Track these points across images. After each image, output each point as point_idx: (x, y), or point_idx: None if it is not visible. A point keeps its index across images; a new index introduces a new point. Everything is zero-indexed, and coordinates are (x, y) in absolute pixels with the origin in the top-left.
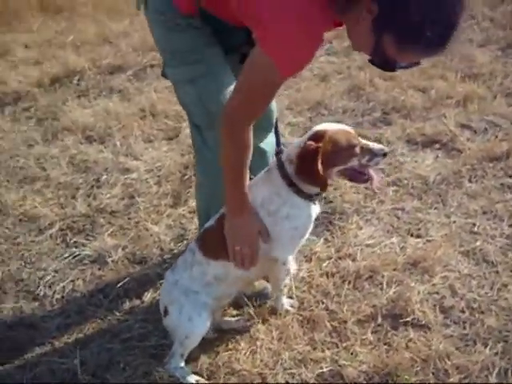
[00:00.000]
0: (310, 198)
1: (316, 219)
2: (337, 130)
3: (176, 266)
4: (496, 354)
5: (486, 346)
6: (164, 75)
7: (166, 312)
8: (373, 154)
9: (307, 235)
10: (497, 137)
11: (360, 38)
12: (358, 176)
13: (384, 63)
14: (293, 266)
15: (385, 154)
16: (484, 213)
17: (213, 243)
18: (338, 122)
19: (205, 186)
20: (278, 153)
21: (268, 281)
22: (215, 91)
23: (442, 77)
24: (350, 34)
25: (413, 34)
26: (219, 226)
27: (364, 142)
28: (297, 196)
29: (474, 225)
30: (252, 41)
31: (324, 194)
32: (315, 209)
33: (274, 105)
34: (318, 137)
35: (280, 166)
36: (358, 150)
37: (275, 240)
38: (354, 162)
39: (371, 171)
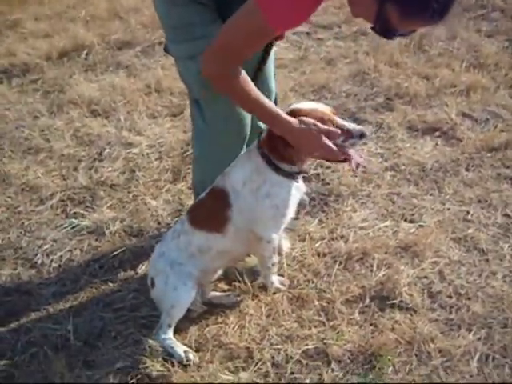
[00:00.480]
0: (289, 176)
1: (312, 199)
2: (311, 108)
3: (165, 236)
4: (479, 339)
5: (469, 332)
6: (166, 51)
7: (152, 284)
8: (349, 134)
9: (290, 214)
10: (497, 127)
11: (362, 6)
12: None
13: (385, 31)
14: (286, 244)
15: (362, 136)
16: (479, 201)
17: (200, 214)
18: (341, 105)
19: (200, 160)
20: (260, 132)
21: None
22: None
23: (447, 65)
24: (351, 1)
25: (419, 5)
26: (208, 198)
27: (341, 122)
28: (276, 174)
29: (468, 213)
30: None
31: (322, 176)
32: (298, 187)
33: (273, 86)
34: (292, 115)
35: (259, 145)
36: None
37: (258, 219)
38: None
39: (351, 151)
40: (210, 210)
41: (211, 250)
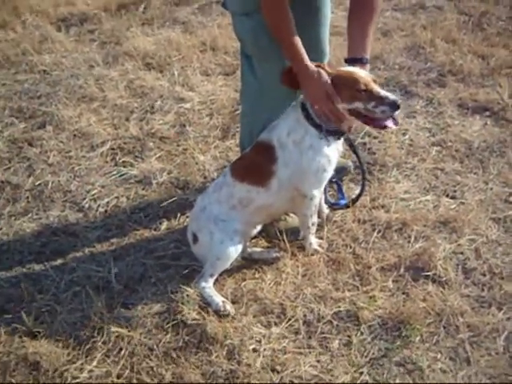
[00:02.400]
0: (326, 132)
1: (357, 167)
2: (349, 70)
3: (207, 189)
4: (508, 318)
5: (499, 310)
6: (224, 5)
7: (195, 239)
8: (380, 101)
9: (331, 171)
10: None
11: None
12: (370, 121)
13: None
14: (326, 209)
15: (393, 105)
16: None
17: (243, 167)
18: (393, 78)
19: (248, 115)
20: None
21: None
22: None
23: (504, 45)
24: None
25: None
26: (253, 151)
27: (376, 88)
28: (314, 129)
29: (510, 194)
30: None
31: (368, 145)
32: (337, 147)
33: (326, 49)
34: (329, 75)
35: (302, 100)
36: (364, 92)
37: (302, 173)
38: (359, 105)
39: (388, 121)
40: (255, 164)
41: (252, 203)
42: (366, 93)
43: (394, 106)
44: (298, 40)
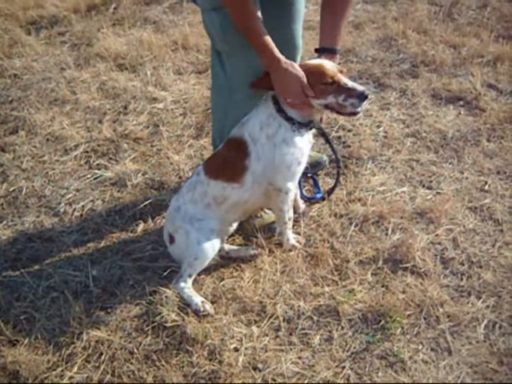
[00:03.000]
0: (299, 125)
1: (332, 161)
2: (315, 63)
3: (181, 189)
4: (487, 307)
5: (479, 299)
6: (194, 1)
7: (171, 240)
8: (349, 93)
9: (304, 163)
10: None
11: None
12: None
13: None
14: (302, 204)
15: (362, 96)
16: (498, 172)
17: (216, 164)
18: (366, 70)
19: (219, 111)
20: None
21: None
22: None
23: (475, 35)
24: None
25: None
26: (225, 148)
27: (344, 80)
28: (285, 120)
29: (486, 183)
30: None
31: (343, 139)
32: (309, 139)
33: (299, 43)
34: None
35: (273, 95)
36: (332, 86)
37: (276, 167)
38: (331, 99)
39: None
40: (228, 160)
41: (227, 200)
42: (333, 85)
43: (363, 96)
44: (267, 38)
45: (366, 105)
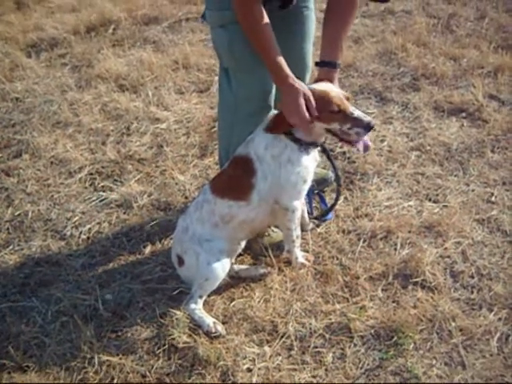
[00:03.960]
0: (303, 144)
1: None
2: (322, 90)
3: (188, 209)
4: (500, 319)
5: (490, 312)
6: (204, 17)
7: (180, 261)
8: (355, 123)
9: (310, 181)
10: None
11: None
12: (343, 137)
13: None
14: (308, 221)
15: (368, 127)
16: (503, 183)
17: (222, 182)
18: (367, 85)
19: (224, 129)
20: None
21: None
22: (242, 38)
23: (475, 46)
24: None
25: None
26: (231, 166)
27: (351, 109)
28: (293, 142)
29: (492, 194)
30: None
31: (348, 154)
32: (314, 157)
33: (310, 63)
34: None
35: None
36: (339, 114)
37: (282, 186)
38: (335, 126)
39: (359, 144)
40: (234, 178)
41: (234, 219)
42: (340, 114)
43: (368, 127)
44: (280, 59)
45: (370, 135)
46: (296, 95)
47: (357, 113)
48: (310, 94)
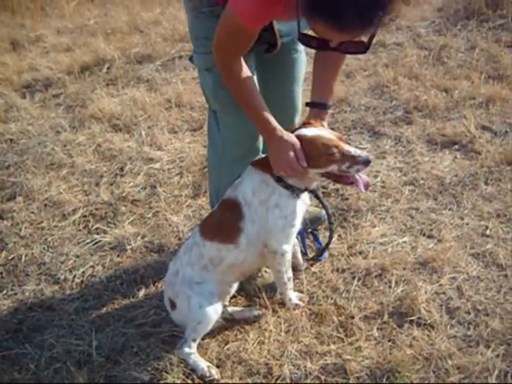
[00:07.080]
0: (292, 190)
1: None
2: (315, 135)
3: (178, 251)
4: (497, 356)
5: (488, 348)
6: (191, 60)
7: (172, 305)
8: (354, 161)
9: (298, 225)
10: None
11: None
12: (341, 179)
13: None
14: (301, 260)
15: (367, 163)
16: (498, 216)
17: (211, 225)
18: (360, 119)
19: (214, 170)
20: None
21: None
22: None
23: (466, 77)
24: None
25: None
26: (220, 209)
27: (347, 148)
28: (282, 187)
29: (487, 227)
30: (273, 27)
31: (341, 191)
32: (304, 199)
33: (299, 105)
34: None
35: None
36: (337, 155)
37: (270, 230)
38: (333, 167)
39: (356, 175)
40: (222, 221)
41: (223, 261)
42: (337, 155)
43: (367, 162)
44: (265, 112)
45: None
46: (285, 148)
47: (353, 150)
48: (298, 144)
